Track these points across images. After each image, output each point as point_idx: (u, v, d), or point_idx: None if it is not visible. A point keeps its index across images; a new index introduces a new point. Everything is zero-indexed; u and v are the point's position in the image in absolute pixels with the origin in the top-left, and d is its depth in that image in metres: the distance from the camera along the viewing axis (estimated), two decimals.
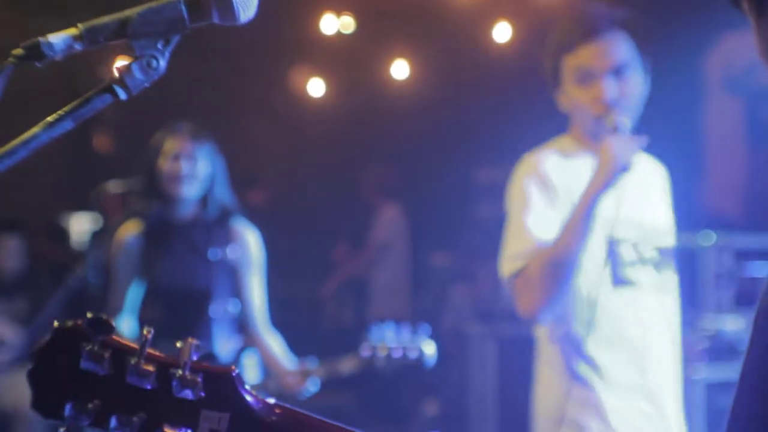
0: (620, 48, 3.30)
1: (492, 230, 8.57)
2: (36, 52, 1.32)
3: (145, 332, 1.25)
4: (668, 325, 3.39)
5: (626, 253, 3.32)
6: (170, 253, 4.63)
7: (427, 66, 9.04)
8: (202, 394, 1.25)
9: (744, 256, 5.81)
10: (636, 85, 3.34)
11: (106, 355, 1.24)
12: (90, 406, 1.25)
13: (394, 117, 9.35)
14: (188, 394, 1.24)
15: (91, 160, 10.09)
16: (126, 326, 4.60)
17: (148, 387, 1.25)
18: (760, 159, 7.83)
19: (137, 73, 1.34)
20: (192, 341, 1.25)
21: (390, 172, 9.00)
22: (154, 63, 1.35)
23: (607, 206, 3.22)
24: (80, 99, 1.33)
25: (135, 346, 1.25)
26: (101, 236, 7.58)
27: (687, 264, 5.81)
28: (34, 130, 1.31)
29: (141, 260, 4.63)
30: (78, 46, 1.34)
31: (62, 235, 9.60)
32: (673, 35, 7.83)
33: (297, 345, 5.07)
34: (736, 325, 5.37)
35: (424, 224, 9.04)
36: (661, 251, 3.37)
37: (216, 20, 1.37)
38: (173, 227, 4.59)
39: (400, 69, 9.08)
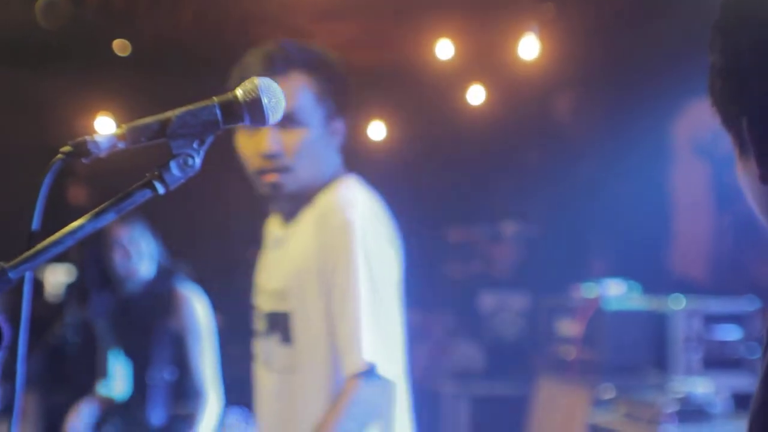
0: (293, 93, 2.79)
1: (464, 287, 8.71)
2: (83, 150, 1.44)
3: None
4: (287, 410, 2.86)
5: (256, 323, 3.00)
6: (120, 327, 4.79)
7: (401, 127, 9.18)
8: None
9: (712, 319, 5.95)
10: (303, 136, 2.83)
11: None
12: None
13: (368, 177, 9.46)
14: None
15: (65, 212, 10.14)
16: (114, 387, 4.74)
17: None
18: (726, 223, 7.99)
19: (175, 171, 1.46)
20: None
21: None
22: (190, 161, 1.46)
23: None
24: (122, 193, 1.44)
25: None
26: (76, 291, 7.63)
27: (656, 327, 5.98)
28: (80, 221, 1.42)
29: (104, 335, 4.82)
30: (121, 145, 1.46)
31: (37, 287, 9.60)
32: (642, 100, 8.02)
33: None
34: (705, 387, 5.49)
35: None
36: (270, 318, 2.92)
37: (247, 122, 1.50)
38: (124, 302, 4.74)
39: (376, 130, 9.22)
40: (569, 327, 6.31)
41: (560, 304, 6.50)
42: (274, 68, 2.75)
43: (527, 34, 7.07)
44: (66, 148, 1.44)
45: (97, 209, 1.43)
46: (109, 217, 1.43)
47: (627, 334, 5.99)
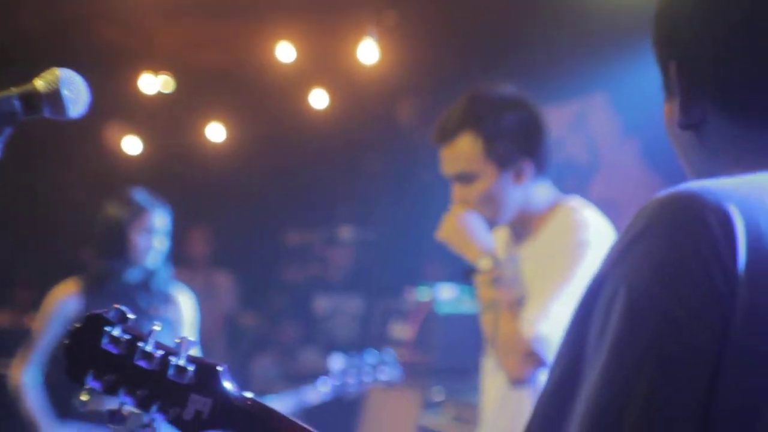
0: (461, 153, 3.08)
1: (300, 292, 8.72)
2: None
3: (155, 326, 1.54)
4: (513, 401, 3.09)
5: None
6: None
7: (242, 129, 9.13)
8: (192, 381, 1.53)
9: None
10: (480, 189, 3.08)
11: (123, 339, 1.55)
12: (105, 377, 1.55)
13: (207, 179, 9.41)
14: (181, 378, 1.53)
15: None
16: (32, 377, 4.60)
17: (150, 368, 1.54)
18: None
19: None
20: (188, 339, 1.54)
21: (204, 234, 8.99)
22: None
23: None
24: None
25: (145, 335, 1.55)
26: None
27: None
28: None
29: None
30: None
31: None
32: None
33: None
34: None
35: (235, 285, 9.09)
36: None
37: (47, 115, 1.48)
38: (118, 288, 4.63)
39: (215, 131, 9.16)
40: (402, 330, 6.37)
41: (394, 308, 6.55)
42: (445, 134, 3.20)
43: (366, 38, 7.11)
44: None
45: None
46: None
47: (458, 338, 6.04)
